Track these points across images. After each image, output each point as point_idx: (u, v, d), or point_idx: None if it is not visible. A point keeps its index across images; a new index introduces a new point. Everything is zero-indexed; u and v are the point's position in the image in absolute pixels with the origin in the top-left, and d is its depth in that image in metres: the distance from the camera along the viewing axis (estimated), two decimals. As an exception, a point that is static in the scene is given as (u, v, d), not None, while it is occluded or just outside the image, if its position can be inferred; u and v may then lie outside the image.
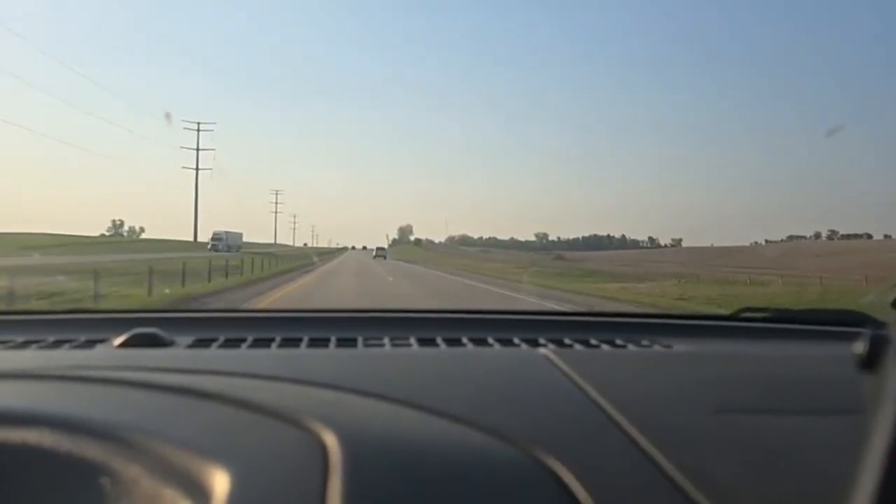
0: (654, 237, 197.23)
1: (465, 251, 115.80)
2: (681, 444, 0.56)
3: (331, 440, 0.51)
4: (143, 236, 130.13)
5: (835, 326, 1.41)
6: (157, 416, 0.58)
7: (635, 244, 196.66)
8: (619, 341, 1.24)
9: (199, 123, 64.95)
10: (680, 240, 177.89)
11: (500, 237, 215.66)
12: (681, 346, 1.20)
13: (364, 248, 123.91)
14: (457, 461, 0.51)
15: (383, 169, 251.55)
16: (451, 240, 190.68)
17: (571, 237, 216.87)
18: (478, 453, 0.53)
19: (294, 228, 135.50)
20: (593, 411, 0.64)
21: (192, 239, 65.90)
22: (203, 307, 8.48)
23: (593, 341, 1.23)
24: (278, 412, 0.57)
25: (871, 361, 0.38)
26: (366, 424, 0.58)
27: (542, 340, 1.22)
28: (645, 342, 1.24)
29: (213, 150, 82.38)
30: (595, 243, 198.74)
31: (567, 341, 1.22)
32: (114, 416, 0.57)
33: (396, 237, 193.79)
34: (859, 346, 0.39)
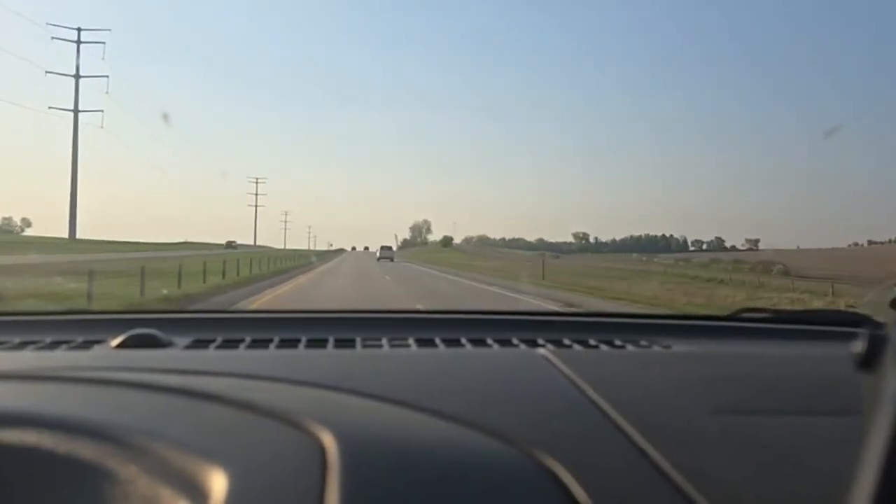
0: (721, 237, 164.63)
1: (517, 254, 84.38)
2: (679, 444, 0.56)
3: (329, 441, 0.51)
4: (29, 232, 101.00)
5: (833, 327, 1.41)
6: (155, 416, 0.58)
7: (698, 245, 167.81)
8: (617, 341, 1.24)
9: (78, 30, 44.86)
10: (757, 240, 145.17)
11: (527, 238, 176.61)
12: (680, 347, 1.20)
13: (366, 249, 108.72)
14: (455, 461, 0.51)
15: (387, 169, 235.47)
16: (468, 241, 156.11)
17: (618, 238, 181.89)
18: (476, 454, 0.53)
19: (285, 228, 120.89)
20: (592, 411, 0.64)
21: (67, 235, 48.00)
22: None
23: (592, 341, 1.23)
24: (276, 413, 0.57)
25: (869, 361, 0.38)
26: (364, 425, 0.58)
27: (540, 341, 1.22)
28: (644, 342, 1.24)
29: (107, 76, 50.66)
30: (649, 244, 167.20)
31: (566, 341, 1.22)
32: (112, 416, 0.57)
33: (408, 237, 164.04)
34: (857, 346, 0.39)
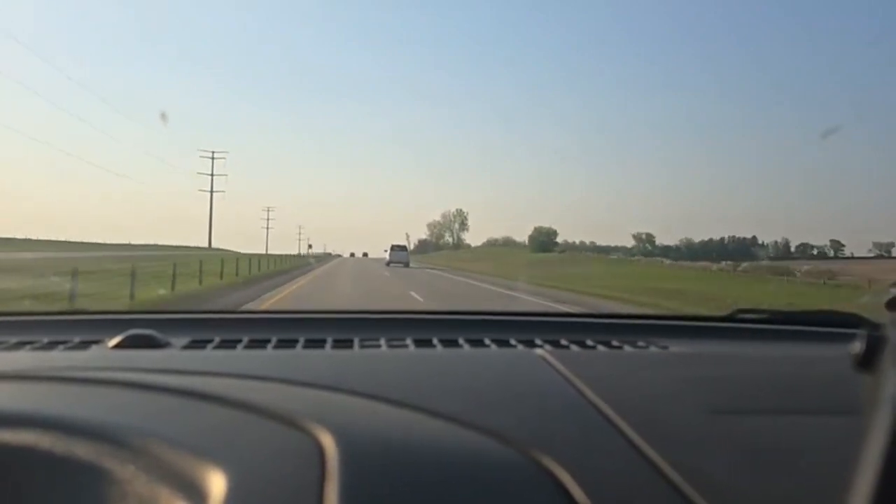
0: (838, 240, 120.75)
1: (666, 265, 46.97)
2: (677, 445, 0.56)
3: (327, 441, 0.51)
4: None
5: (830, 328, 1.42)
6: (152, 417, 0.57)
7: (805, 250, 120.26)
8: (615, 342, 1.24)
9: None
10: (890, 245, 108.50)
11: (570, 239, 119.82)
12: (677, 347, 1.21)
13: (364, 255, 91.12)
14: (454, 462, 0.51)
15: (391, 169, 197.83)
16: (492, 243, 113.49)
17: (695, 239, 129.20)
18: (475, 454, 0.53)
19: (267, 227, 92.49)
20: (590, 412, 0.64)
21: None
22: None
23: (589, 342, 1.23)
24: (275, 413, 0.57)
25: (867, 362, 0.38)
26: (362, 425, 0.58)
27: (538, 341, 1.23)
28: (641, 343, 1.24)
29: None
30: (737, 249, 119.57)
31: (563, 342, 1.23)
32: (109, 416, 0.56)
33: (426, 236, 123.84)
34: (856, 347, 0.39)
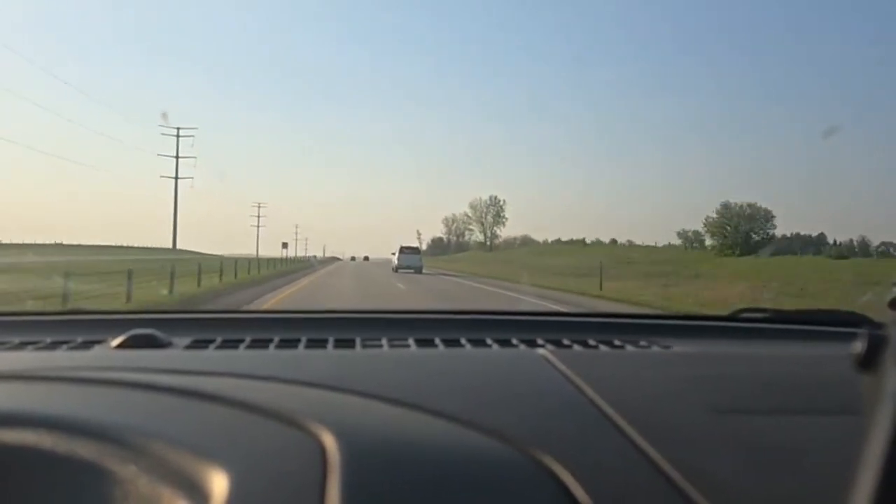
0: None
1: None
2: (679, 444, 0.56)
3: (329, 441, 0.51)
4: None
5: (833, 327, 1.42)
6: (155, 417, 0.58)
7: (888, 251, 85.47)
8: (617, 342, 1.24)
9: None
10: None
11: (587, 239, 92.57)
12: (679, 347, 1.21)
13: (366, 258, 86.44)
14: (455, 461, 0.51)
15: (391, 168, 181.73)
16: (510, 242, 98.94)
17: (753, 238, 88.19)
18: (476, 453, 0.53)
19: (258, 226, 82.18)
20: (591, 411, 0.64)
21: None
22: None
23: (591, 342, 1.23)
24: (276, 413, 0.57)
25: (868, 361, 0.38)
26: (364, 425, 0.58)
27: (540, 341, 1.23)
28: (643, 342, 1.24)
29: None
30: (802, 249, 79.85)
31: (565, 342, 1.23)
32: (111, 417, 0.57)
33: (443, 234, 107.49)
34: (857, 346, 0.40)
